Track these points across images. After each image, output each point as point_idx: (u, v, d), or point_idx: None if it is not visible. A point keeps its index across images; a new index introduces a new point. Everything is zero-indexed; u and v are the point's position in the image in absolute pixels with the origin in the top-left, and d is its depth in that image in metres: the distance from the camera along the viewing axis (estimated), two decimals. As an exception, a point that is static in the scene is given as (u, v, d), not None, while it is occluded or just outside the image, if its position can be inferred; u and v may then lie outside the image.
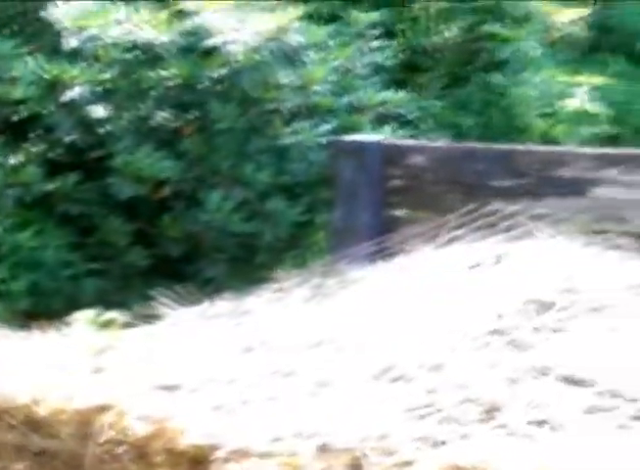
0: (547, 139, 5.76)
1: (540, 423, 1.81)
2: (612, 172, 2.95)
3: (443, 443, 1.71)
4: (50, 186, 3.78)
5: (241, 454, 1.66)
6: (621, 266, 2.52)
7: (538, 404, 1.85)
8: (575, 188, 2.99)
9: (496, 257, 2.59)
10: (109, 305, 2.44)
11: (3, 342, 2.07)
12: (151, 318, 2.35)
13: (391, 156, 3.21)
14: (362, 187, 3.21)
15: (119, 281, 3.89)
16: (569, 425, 1.80)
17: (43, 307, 3.61)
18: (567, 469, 1.55)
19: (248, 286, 2.70)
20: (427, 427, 1.76)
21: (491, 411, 1.83)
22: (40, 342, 2.06)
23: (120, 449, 1.72)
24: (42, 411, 1.76)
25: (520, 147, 3.63)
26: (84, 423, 1.74)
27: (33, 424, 1.77)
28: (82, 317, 2.07)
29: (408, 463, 1.64)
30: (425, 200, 3.16)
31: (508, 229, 2.89)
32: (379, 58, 4.68)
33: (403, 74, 5.63)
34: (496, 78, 5.78)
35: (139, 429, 1.72)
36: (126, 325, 2.26)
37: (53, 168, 3.86)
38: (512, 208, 2.99)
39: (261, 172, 3.94)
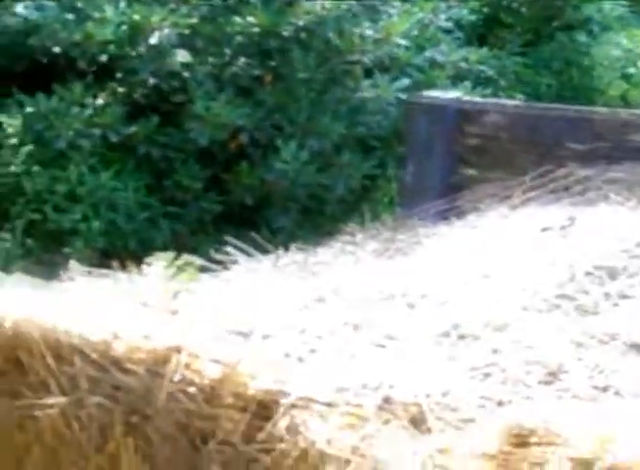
0: (627, 101, 5.67)
1: (604, 388, 1.82)
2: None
3: (506, 403, 1.73)
4: (132, 128, 3.85)
5: (307, 402, 1.71)
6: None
7: (603, 370, 1.87)
8: (654, 153, 2.96)
9: (569, 220, 2.58)
10: (182, 248, 2.50)
11: (83, 279, 2.14)
12: (225, 264, 2.40)
13: (468, 114, 3.21)
14: (437, 144, 3.22)
15: (193, 225, 3.96)
16: (633, 391, 1.81)
17: (119, 248, 3.69)
18: (628, 435, 1.56)
19: (317, 237, 2.74)
20: (490, 386, 1.79)
21: (556, 374, 1.85)
22: (119, 281, 2.13)
23: (192, 390, 1.77)
24: (119, 348, 1.82)
25: (599, 109, 3.60)
26: (159, 362, 1.80)
27: (110, 360, 1.84)
28: (160, 259, 2.12)
29: (470, 421, 1.66)
30: (499, 160, 3.15)
31: (582, 193, 2.88)
32: (461, 12, 4.65)
33: (485, 30, 5.58)
34: (579, 37, 5.69)
35: (211, 371, 1.77)
36: (201, 269, 2.31)
37: (135, 111, 3.93)
38: (587, 171, 2.97)
39: (337, 124, 3.96)
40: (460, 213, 2.77)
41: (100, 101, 3.87)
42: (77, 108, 3.74)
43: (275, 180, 3.91)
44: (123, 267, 2.18)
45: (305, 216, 4.12)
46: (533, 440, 1.58)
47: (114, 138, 3.77)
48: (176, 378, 1.78)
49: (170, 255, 2.11)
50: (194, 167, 3.88)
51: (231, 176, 3.95)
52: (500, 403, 1.73)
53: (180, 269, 2.15)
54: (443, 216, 2.81)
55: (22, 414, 1.88)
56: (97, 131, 3.77)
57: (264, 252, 2.50)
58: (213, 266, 2.37)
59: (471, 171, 3.20)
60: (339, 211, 4.10)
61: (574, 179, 2.96)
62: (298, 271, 2.30)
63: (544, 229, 2.55)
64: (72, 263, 2.13)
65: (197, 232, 3.93)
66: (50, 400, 1.83)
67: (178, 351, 1.79)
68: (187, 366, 1.78)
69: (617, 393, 1.81)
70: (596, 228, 2.55)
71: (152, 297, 2.03)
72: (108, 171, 3.75)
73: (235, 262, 2.40)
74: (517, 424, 1.60)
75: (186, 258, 2.16)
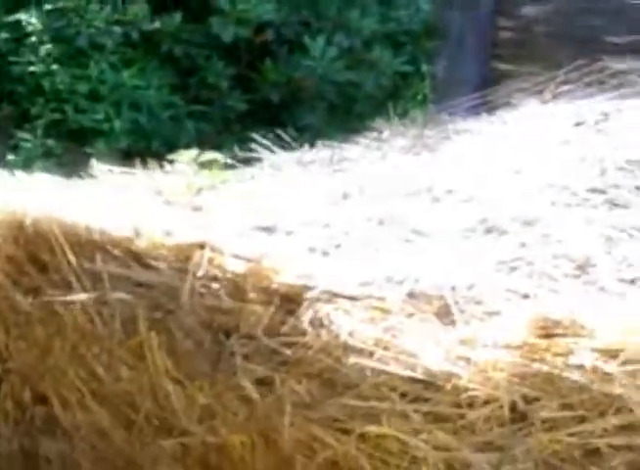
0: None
1: (632, 281, 1.80)
2: None
3: (532, 296, 1.72)
4: (155, 24, 3.78)
5: (331, 296, 1.70)
6: None
7: (631, 263, 1.84)
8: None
9: (602, 115, 2.53)
10: (207, 147, 2.48)
11: (104, 177, 2.13)
12: (249, 161, 2.39)
13: (503, 6, 3.13)
14: (470, 38, 3.15)
15: (219, 124, 3.93)
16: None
17: (143, 147, 3.67)
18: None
19: (346, 134, 2.70)
20: (516, 280, 1.77)
21: (583, 267, 1.83)
22: (142, 178, 2.11)
23: (215, 285, 1.77)
24: (141, 244, 1.82)
25: (638, 2, 3.50)
26: (182, 258, 1.79)
27: (134, 256, 1.83)
28: (183, 156, 2.10)
29: (495, 313, 1.65)
30: (534, 54, 3.09)
31: (617, 87, 2.82)
32: None
33: None
34: None
35: (235, 266, 1.76)
36: (226, 167, 2.29)
37: (158, 7, 3.85)
38: (623, 65, 2.90)
39: (368, 19, 3.87)
40: (491, 109, 2.73)
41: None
42: (98, 4, 3.68)
43: (302, 77, 3.85)
44: (145, 166, 2.17)
45: (333, 115, 4.07)
46: (558, 331, 1.57)
47: (135, 35, 3.71)
48: (199, 273, 1.77)
49: (193, 152, 2.09)
50: (218, 65, 3.82)
51: (257, 74, 3.89)
52: (526, 296, 1.72)
53: (203, 166, 2.13)
54: (474, 112, 2.77)
55: (44, 311, 1.89)
56: (118, 29, 3.70)
57: (290, 149, 2.47)
58: (237, 164, 2.36)
59: (504, 66, 3.14)
60: (368, 110, 4.04)
61: (610, 73, 2.90)
62: (323, 167, 2.28)
63: (577, 124, 2.50)
64: (93, 162, 2.12)
65: (222, 131, 3.90)
66: (72, 297, 1.84)
67: (201, 246, 1.79)
68: (210, 262, 1.78)
69: (645, 286, 1.79)
70: (630, 123, 2.50)
71: (174, 193, 2.01)
72: (129, 69, 3.70)
73: (259, 159, 2.38)
74: (542, 315, 1.59)
75: (209, 154, 2.14)
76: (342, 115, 4.04)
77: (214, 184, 2.11)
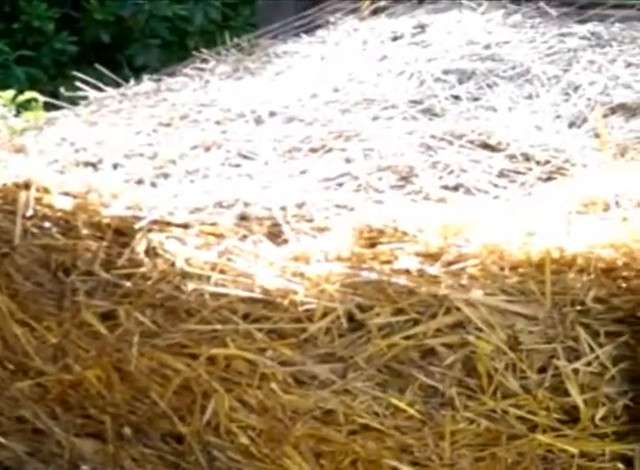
0: None
1: (455, 187, 1.86)
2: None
3: (359, 209, 1.76)
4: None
5: (162, 225, 1.71)
6: (540, 35, 2.54)
7: (453, 170, 1.91)
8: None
9: (419, 28, 2.59)
10: (41, 94, 2.43)
11: None
12: (74, 100, 2.35)
13: None
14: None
15: (50, 69, 3.84)
16: (481, 188, 1.86)
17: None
18: (475, 227, 1.61)
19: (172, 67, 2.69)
20: (344, 195, 1.81)
21: (407, 178, 1.88)
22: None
23: (48, 224, 1.76)
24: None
25: None
26: (9, 200, 1.77)
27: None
28: (1, 98, 2.06)
29: (324, 229, 1.69)
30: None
31: (434, 1, 2.87)
32: None
33: None
34: None
35: (63, 204, 1.75)
36: (50, 107, 2.26)
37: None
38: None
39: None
40: (311, 29, 2.75)
41: None
42: None
43: (131, 15, 3.78)
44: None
45: (168, 52, 4.03)
46: (382, 239, 1.61)
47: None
48: (29, 214, 1.76)
49: (10, 92, 2.04)
50: (41, 7, 3.72)
51: (82, 14, 3.81)
52: (353, 210, 1.76)
53: (24, 107, 2.09)
54: (295, 33, 2.79)
55: None
56: None
57: (117, 87, 2.45)
58: (63, 104, 2.32)
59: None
60: (202, 44, 4.02)
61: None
62: (148, 99, 2.27)
63: (394, 39, 2.55)
64: None
65: (55, 76, 3.81)
66: None
67: (27, 186, 1.76)
68: (38, 201, 1.76)
69: (466, 191, 1.86)
70: (446, 34, 2.56)
71: (-4, 135, 1.98)
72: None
73: (85, 98, 2.35)
74: (366, 226, 1.63)
75: (28, 94, 2.10)
76: (178, 51, 4.00)
77: (36, 124, 2.08)
